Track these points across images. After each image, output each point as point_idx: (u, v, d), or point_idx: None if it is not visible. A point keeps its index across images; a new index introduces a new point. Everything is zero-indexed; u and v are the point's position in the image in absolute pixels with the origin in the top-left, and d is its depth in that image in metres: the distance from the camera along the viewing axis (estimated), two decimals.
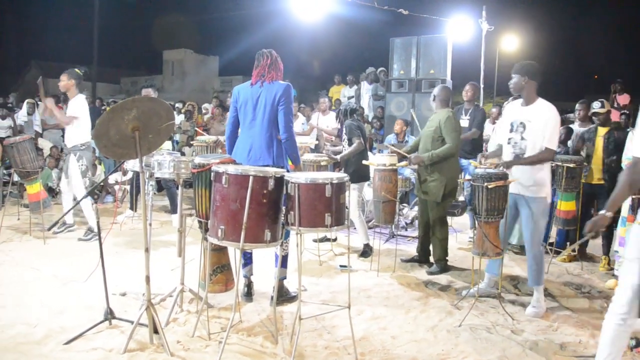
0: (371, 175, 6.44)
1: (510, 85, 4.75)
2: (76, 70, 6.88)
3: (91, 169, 7.37)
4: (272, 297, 4.47)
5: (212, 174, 3.65)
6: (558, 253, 6.42)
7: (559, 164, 5.99)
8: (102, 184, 8.73)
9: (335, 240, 6.90)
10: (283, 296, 4.67)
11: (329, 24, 13.67)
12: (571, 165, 5.96)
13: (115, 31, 38.83)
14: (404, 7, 10.97)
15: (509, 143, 4.81)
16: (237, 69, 35.08)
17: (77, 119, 6.71)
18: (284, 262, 4.55)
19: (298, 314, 3.71)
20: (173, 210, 7.73)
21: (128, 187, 8.53)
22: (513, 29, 27.50)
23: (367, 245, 6.37)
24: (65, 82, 6.77)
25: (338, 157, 6.32)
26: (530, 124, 4.63)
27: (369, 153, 7.07)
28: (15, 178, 7.57)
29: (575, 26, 39.12)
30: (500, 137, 5.04)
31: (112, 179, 9.26)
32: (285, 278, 4.74)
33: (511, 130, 4.79)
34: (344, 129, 6.45)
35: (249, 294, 4.74)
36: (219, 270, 4.18)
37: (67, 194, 6.92)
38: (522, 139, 4.68)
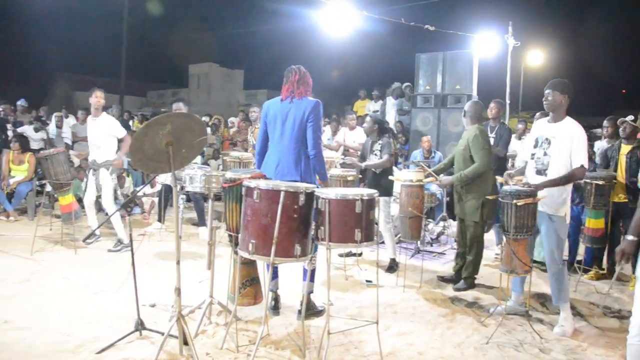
0: (397, 190, 6.46)
1: (546, 101, 4.66)
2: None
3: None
4: (299, 311, 4.50)
5: (244, 188, 3.71)
6: (586, 271, 6.35)
7: (588, 181, 5.94)
8: (132, 197, 8.87)
9: (360, 255, 6.91)
10: (310, 310, 4.70)
11: (354, 39, 13.74)
12: (600, 182, 5.90)
13: (143, 45, 39.49)
14: (430, 23, 11.02)
15: (532, 158, 4.80)
16: (262, 82, 35.48)
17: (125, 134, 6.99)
18: (312, 276, 4.58)
19: (326, 328, 3.74)
20: (200, 223, 7.83)
21: (156, 199, 8.65)
22: (538, 44, 27.39)
23: (393, 260, 6.37)
24: (102, 99, 6.97)
25: (363, 164, 6.34)
26: (555, 140, 4.61)
27: (394, 168, 7.08)
28: (48, 189, 7.75)
29: (602, 40, 38.75)
30: (526, 153, 5.03)
31: (138, 190, 9.40)
32: (312, 292, 4.77)
33: (535, 146, 4.78)
34: (377, 143, 6.41)
35: (275, 308, 4.78)
36: (248, 283, 4.24)
37: (91, 206, 7.06)
38: (545, 154, 4.67)
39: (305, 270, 4.52)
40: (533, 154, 4.78)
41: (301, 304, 4.32)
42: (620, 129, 6.25)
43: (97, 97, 6.92)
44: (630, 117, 6.18)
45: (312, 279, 4.62)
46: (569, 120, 4.64)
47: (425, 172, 6.00)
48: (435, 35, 11.38)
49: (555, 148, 4.60)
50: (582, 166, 4.48)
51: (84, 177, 9.52)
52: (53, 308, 4.74)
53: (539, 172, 4.69)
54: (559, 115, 4.66)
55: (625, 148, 6.15)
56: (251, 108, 8.82)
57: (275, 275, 4.78)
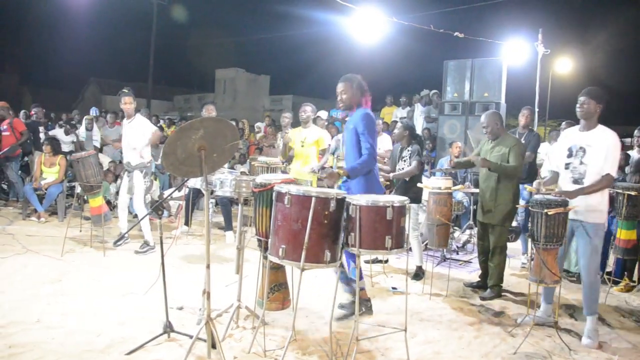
0: (424, 198, 6.43)
1: (581, 109, 4.61)
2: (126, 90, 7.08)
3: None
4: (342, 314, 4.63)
5: (274, 193, 3.74)
6: (616, 283, 6.25)
7: (620, 191, 5.86)
8: (163, 200, 8.98)
9: (386, 261, 6.90)
10: (365, 305, 4.80)
11: (382, 45, 13.75)
12: (632, 192, 5.81)
13: (170, 50, 40.08)
14: (459, 30, 10.97)
15: (567, 168, 4.74)
16: (288, 88, 35.70)
17: (149, 137, 7.03)
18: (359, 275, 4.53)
19: (354, 334, 3.73)
20: (227, 227, 7.88)
21: (183, 203, 8.74)
22: (567, 52, 27.03)
23: (419, 268, 6.35)
24: (132, 104, 7.01)
25: (391, 175, 6.33)
26: (590, 149, 4.56)
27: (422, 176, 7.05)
28: (77, 191, 7.87)
29: (632, 48, 38.12)
30: (554, 163, 4.98)
31: (166, 193, 9.51)
32: (364, 288, 4.82)
33: (570, 156, 4.72)
34: (406, 149, 6.38)
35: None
36: (277, 288, 4.25)
37: (124, 208, 7.16)
38: (582, 163, 4.61)
39: (343, 277, 4.60)
40: (568, 164, 4.72)
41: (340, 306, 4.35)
42: None
43: (125, 104, 6.98)
44: None
45: (360, 277, 4.56)
46: (602, 129, 4.60)
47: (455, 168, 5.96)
48: (463, 43, 11.33)
49: (591, 157, 4.55)
50: (608, 174, 4.47)
51: (112, 180, 9.71)
52: (83, 308, 4.82)
53: (576, 181, 4.64)
54: (592, 123, 4.62)
55: None
56: (283, 113, 8.86)
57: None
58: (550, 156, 5.22)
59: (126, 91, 6.97)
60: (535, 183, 5.02)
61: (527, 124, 7.37)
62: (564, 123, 8.38)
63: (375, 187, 4.70)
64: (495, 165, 5.56)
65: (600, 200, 4.56)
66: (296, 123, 8.20)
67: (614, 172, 4.50)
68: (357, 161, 4.63)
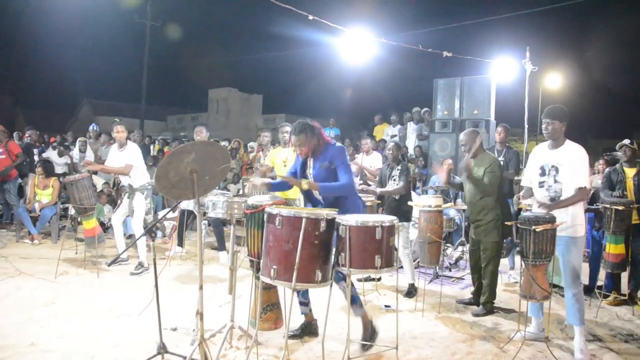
0: (415, 215, 6.48)
1: (546, 131, 4.76)
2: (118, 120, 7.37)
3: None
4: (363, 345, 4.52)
5: (266, 215, 3.79)
6: (606, 297, 6.30)
7: (607, 206, 5.95)
8: (157, 222, 9.01)
9: (379, 280, 6.93)
10: (371, 333, 4.59)
11: (372, 65, 13.87)
12: (620, 207, 5.90)
13: (163, 71, 40.26)
14: (448, 49, 11.12)
15: (541, 186, 4.85)
16: (281, 107, 35.83)
17: (132, 166, 7.10)
18: (353, 300, 4.47)
19: (346, 353, 3.76)
20: (220, 247, 7.91)
21: (176, 224, 8.76)
22: (556, 68, 27.32)
23: (412, 286, 6.38)
24: (123, 133, 7.22)
25: (378, 190, 6.39)
26: (562, 167, 4.70)
27: (413, 193, 7.12)
28: (71, 212, 7.89)
29: (621, 63, 38.62)
30: (529, 179, 5.07)
31: (160, 214, 9.54)
32: (362, 314, 4.66)
33: (543, 174, 4.84)
34: (396, 169, 6.44)
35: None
36: (269, 308, 4.28)
37: (118, 228, 7.21)
38: (556, 182, 4.74)
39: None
40: (542, 182, 4.85)
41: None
42: (621, 153, 6.36)
43: (118, 132, 7.20)
44: (627, 141, 6.31)
45: (354, 302, 4.50)
46: (570, 144, 4.75)
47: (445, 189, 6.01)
48: (452, 61, 11.47)
49: (565, 174, 4.68)
50: (581, 188, 4.59)
51: (105, 202, 9.74)
52: (77, 331, 4.83)
53: (553, 199, 4.75)
54: (560, 140, 4.77)
55: (630, 171, 6.29)
56: (262, 133, 8.91)
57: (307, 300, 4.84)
58: (525, 172, 5.30)
59: (118, 120, 7.21)
60: (514, 197, 5.12)
61: (503, 141, 7.54)
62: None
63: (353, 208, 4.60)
64: (474, 178, 5.63)
65: (576, 213, 4.67)
66: (277, 142, 8.26)
67: (586, 184, 4.62)
68: (333, 183, 4.54)
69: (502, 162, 7.13)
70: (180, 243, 8.19)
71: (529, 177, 5.08)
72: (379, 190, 6.43)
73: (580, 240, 4.71)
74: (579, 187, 4.59)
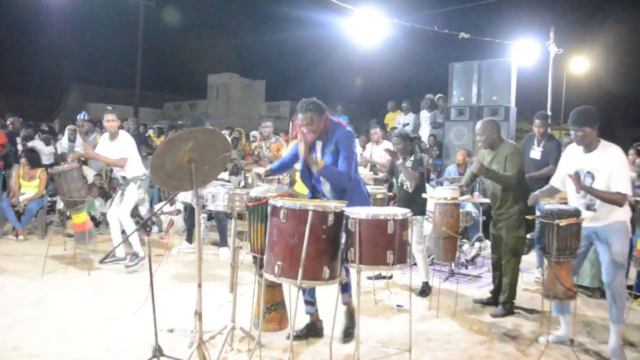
0: (430, 209, 6.45)
1: (577, 139, 4.63)
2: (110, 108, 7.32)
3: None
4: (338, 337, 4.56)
5: (269, 207, 3.78)
6: (637, 297, 6.27)
7: (639, 199, 5.89)
8: (152, 216, 9.02)
9: (391, 277, 6.92)
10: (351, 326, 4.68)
11: (383, 48, 13.82)
12: None
13: (159, 55, 40.15)
14: (465, 30, 11.06)
15: (577, 192, 4.72)
16: (285, 93, 35.75)
17: (127, 159, 7.10)
18: (345, 288, 4.58)
19: (355, 356, 3.76)
20: (222, 243, 7.93)
21: (175, 218, 8.78)
22: (582, 51, 27.14)
23: (426, 284, 6.37)
24: (115, 122, 7.17)
25: (398, 161, 6.32)
26: (599, 174, 4.54)
27: (427, 185, 7.08)
28: (59, 206, 7.88)
29: None
30: (560, 180, 4.99)
31: (156, 208, 9.55)
32: (349, 303, 4.76)
33: None
34: (409, 160, 6.38)
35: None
36: (273, 308, 4.29)
37: (115, 224, 7.20)
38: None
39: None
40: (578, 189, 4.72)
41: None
42: None
43: (108, 121, 7.13)
44: None
45: (345, 290, 4.59)
46: (605, 147, 4.60)
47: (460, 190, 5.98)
48: (470, 43, 11.42)
49: (601, 182, 4.53)
50: (620, 194, 4.40)
51: (97, 194, 9.74)
52: (67, 333, 4.83)
53: (589, 207, 4.63)
54: (593, 144, 4.62)
55: None
56: (264, 123, 8.99)
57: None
58: (559, 171, 5.17)
59: (110, 109, 7.16)
60: (531, 196, 5.07)
61: (544, 133, 7.25)
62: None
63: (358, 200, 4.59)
64: (492, 172, 5.58)
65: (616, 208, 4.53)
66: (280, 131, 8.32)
67: (626, 190, 4.43)
68: (338, 168, 4.52)
69: (540, 155, 7.06)
70: (190, 239, 8.31)
71: (560, 178, 4.97)
72: (398, 161, 6.27)
73: (625, 225, 4.57)
74: (617, 192, 4.40)
